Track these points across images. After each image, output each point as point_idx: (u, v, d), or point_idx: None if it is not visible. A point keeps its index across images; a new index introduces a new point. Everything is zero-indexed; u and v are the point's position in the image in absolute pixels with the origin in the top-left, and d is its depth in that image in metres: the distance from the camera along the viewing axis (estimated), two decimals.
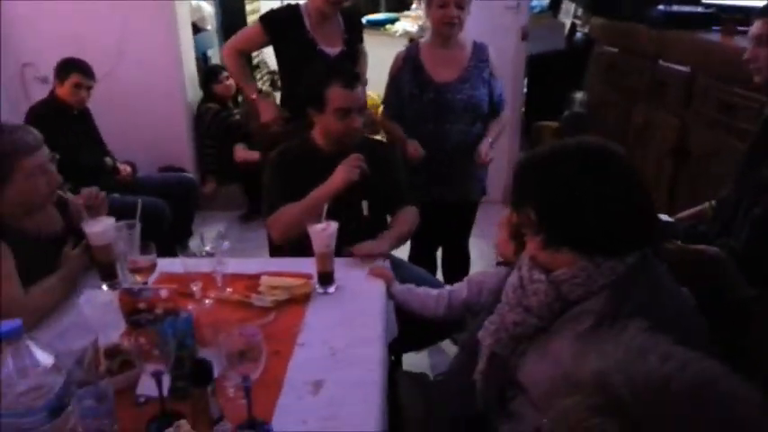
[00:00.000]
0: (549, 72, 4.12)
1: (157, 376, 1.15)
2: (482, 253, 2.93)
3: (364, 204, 1.96)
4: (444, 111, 2.36)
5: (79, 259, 1.74)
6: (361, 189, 1.94)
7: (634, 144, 3.07)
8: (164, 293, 1.31)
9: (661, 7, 2.95)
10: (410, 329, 1.85)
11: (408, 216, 2.06)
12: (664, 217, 1.92)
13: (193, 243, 3.20)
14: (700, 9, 2.94)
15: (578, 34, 4.40)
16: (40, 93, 3.52)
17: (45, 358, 0.92)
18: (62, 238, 1.77)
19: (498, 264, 1.86)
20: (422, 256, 2.67)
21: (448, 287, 1.84)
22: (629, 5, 3.36)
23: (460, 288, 1.80)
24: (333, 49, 2.47)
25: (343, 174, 1.89)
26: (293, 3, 2.55)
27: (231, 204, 4.09)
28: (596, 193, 1.10)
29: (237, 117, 4.04)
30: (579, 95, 4.03)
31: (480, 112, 2.44)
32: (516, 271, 1.25)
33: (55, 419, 0.91)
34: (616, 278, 1.11)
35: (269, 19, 2.52)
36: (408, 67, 2.40)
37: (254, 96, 2.62)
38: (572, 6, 4.60)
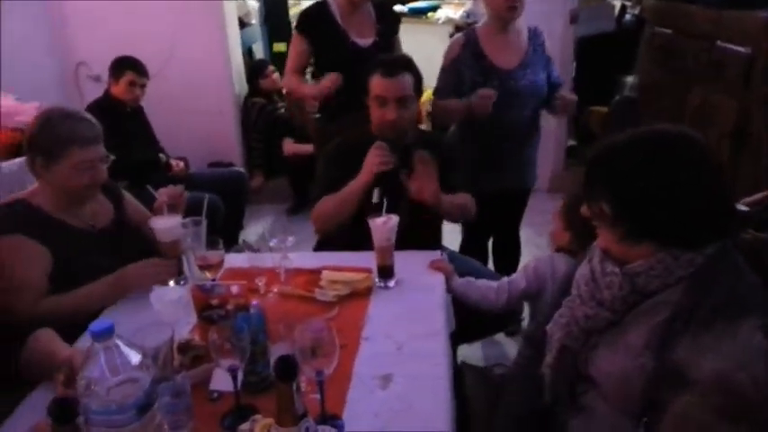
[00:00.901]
0: (599, 55, 4.02)
1: (233, 371, 1.18)
2: (529, 241, 2.91)
3: (384, 202, 1.75)
4: (509, 97, 2.32)
5: (141, 273, 1.67)
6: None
7: (690, 128, 2.98)
8: (235, 290, 1.34)
9: None
10: (464, 322, 1.85)
11: (463, 196, 2.04)
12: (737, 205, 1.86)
13: (249, 235, 3.27)
14: None
15: (628, 16, 4.28)
16: (93, 91, 3.63)
17: (133, 356, 0.95)
18: (113, 230, 1.82)
19: (556, 251, 1.85)
20: (474, 246, 2.66)
21: (506, 278, 1.83)
22: None
23: (519, 278, 1.80)
24: (365, 41, 2.45)
25: (368, 167, 1.88)
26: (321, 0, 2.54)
27: (278, 198, 4.15)
28: (674, 184, 1.07)
29: (283, 111, 4.08)
30: (630, 79, 3.94)
31: (542, 97, 2.42)
32: (587, 263, 1.23)
33: (143, 416, 0.94)
34: (695, 270, 1.08)
35: (300, 21, 2.53)
36: (468, 53, 2.36)
37: (306, 91, 2.59)
38: None
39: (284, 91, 4.24)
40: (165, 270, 1.67)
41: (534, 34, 2.42)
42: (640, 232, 1.11)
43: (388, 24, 2.55)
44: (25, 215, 1.66)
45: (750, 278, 1.12)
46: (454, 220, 2.23)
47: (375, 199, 1.80)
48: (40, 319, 1.48)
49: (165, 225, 1.70)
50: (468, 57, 2.36)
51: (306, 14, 2.54)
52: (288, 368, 0.88)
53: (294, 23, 2.55)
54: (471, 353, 2.56)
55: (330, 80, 2.37)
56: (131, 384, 0.93)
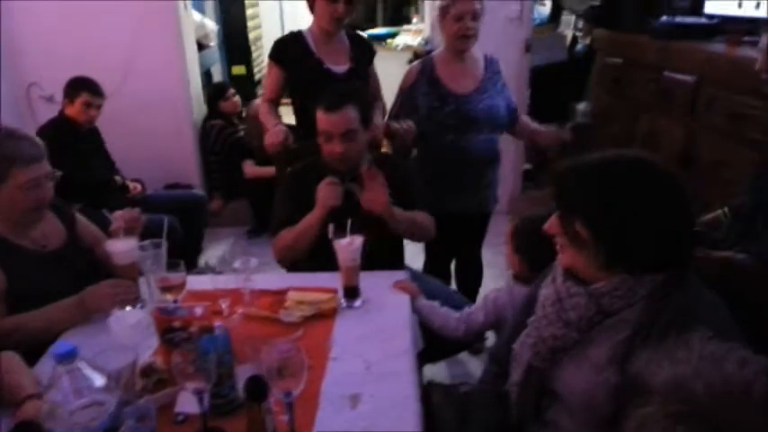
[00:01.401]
0: (552, 83, 4.16)
1: (199, 394, 1.15)
2: (489, 263, 2.95)
3: (348, 223, 1.72)
4: (466, 121, 2.38)
5: (102, 296, 1.63)
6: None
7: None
8: (198, 311, 1.31)
9: (664, 18, 2.99)
10: (429, 341, 1.86)
11: (421, 214, 2.05)
12: None
13: (209, 258, 3.21)
14: (703, 20, 2.98)
15: (579, 46, 4.45)
16: (45, 112, 3.54)
17: (97, 379, 0.92)
18: (65, 251, 1.78)
19: (515, 277, 1.89)
20: (437, 267, 2.68)
21: (466, 309, 1.85)
22: (630, 17, 3.40)
23: (477, 311, 1.82)
24: (339, 68, 2.47)
25: (321, 201, 1.89)
26: (296, 30, 2.55)
27: (237, 220, 4.10)
28: (653, 208, 1.10)
29: (242, 134, 4.06)
30: (582, 106, 4.07)
31: (499, 122, 2.48)
32: (551, 283, 1.25)
33: None
34: (653, 289, 1.12)
35: (275, 49, 2.52)
36: (424, 80, 2.42)
37: (269, 126, 2.47)
38: (572, 18, 4.65)
39: (244, 114, 4.23)
40: (125, 291, 1.64)
41: (490, 62, 2.49)
42: (615, 255, 1.12)
43: (363, 53, 2.56)
44: None
45: (704, 294, 1.17)
46: (412, 238, 2.23)
47: (330, 235, 1.81)
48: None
49: (122, 248, 1.67)
50: (423, 83, 2.42)
51: (280, 42, 2.54)
52: (258, 388, 0.87)
53: (269, 53, 2.54)
54: (437, 371, 2.57)
55: (277, 138, 2.30)
56: (96, 408, 0.90)
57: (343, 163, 1.96)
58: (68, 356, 0.89)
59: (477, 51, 2.48)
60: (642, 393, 0.64)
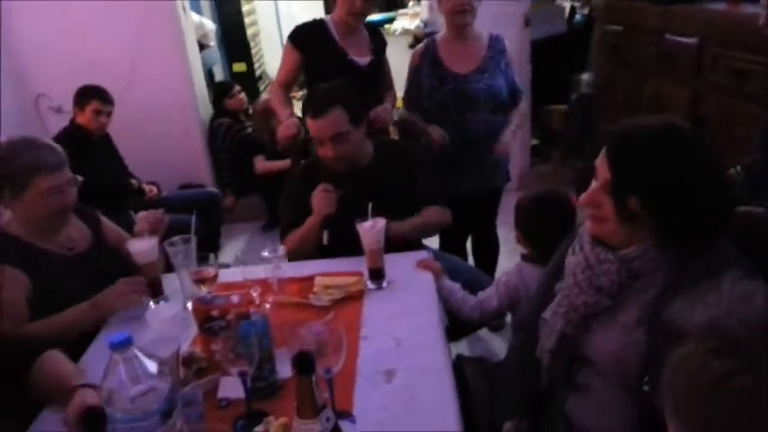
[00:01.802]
0: (552, 56, 4.16)
1: (243, 376, 1.20)
2: (505, 239, 2.98)
3: (369, 207, 1.75)
4: (465, 101, 2.41)
5: (116, 295, 1.68)
6: (378, 192, 1.90)
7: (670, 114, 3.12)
8: (235, 299, 1.36)
9: None
10: (451, 319, 1.90)
11: (430, 212, 2.06)
12: None
13: (229, 253, 3.26)
14: None
15: (578, 16, 4.44)
16: (55, 123, 3.59)
17: (151, 365, 0.97)
18: (91, 254, 1.82)
19: (523, 258, 1.92)
20: (452, 246, 2.72)
21: (480, 294, 1.87)
22: None
23: (490, 297, 1.84)
24: (363, 59, 2.48)
25: (316, 209, 1.91)
26: (318, 18, 2.56)
27: (251, 216, 4.15)
28: (710, 186, 1.08)
29: (250, 130, 4.10)
30: (585, 77, 4.08)
31: (500, 102, 2.49)
32: (579, 251, 1.25)
33: (166, 422, 0.96)
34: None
35: (296, 34, 2.50)
36: (427, 61, 2.46)
37: (282, 118, 2.50)
38: None
39: (250, 111, 4.27)
40: (133, 287, 1.67)
41: (495, 41, 2.51)
42: (668, 232, 1.10)
43: (379, 44, 2.59)
44: (1, 244, 1.66)
45: (730, 247, 1.19)
46: (428, 237, 2.27)
47: (325, 241, 1.83)
48: (20, 345, 1.49)
49: (142, 247, 1.72)
50: (426, 64, 2.46)
51: (302, 29, 2.51)
52: (306, 362, 0.92)
53: (288, 35, 2.51)
54: (459, 350, 2.61)
55: (290, 131, 2.35)
56: (153, 392, 0.95)
57: (338, 164, 1.98)
58: (124, 344, 0.93)
59: (482, 31, 2.50)
60: (677, 339, 0.67)
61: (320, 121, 1.91)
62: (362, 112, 2.03)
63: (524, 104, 2.68)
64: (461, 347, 2.68)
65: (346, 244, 1.75)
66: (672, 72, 2.94)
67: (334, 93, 1.97)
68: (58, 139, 3.08)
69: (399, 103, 2.70)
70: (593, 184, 1.19)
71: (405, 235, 1.96)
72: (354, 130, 1.96)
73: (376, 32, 2.65)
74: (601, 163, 1.16)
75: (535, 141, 4.44)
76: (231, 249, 3.71)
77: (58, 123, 3.39)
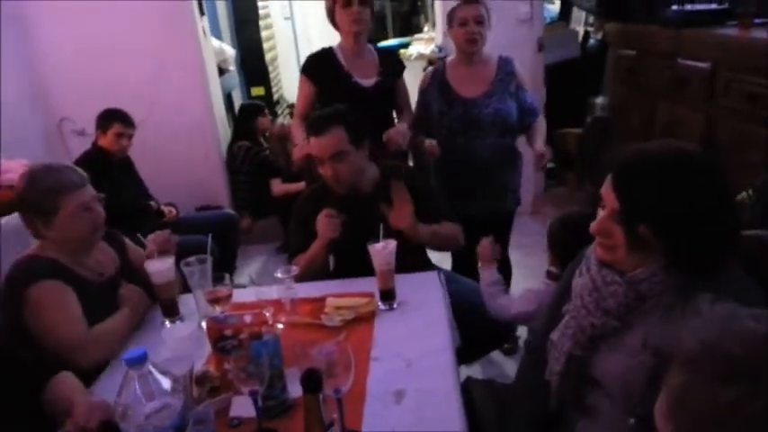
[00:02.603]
0: (567, 80, 4.19)
1: (254, 395, 1.22)
2: (519, 263, 2.98)
3: (381, 228, 1.79)
4: (472, 125, 2.44)
5: (138, 294, 1.82)
6: (382, 217, 1.94)
7: (674, 139, 3.13)
8: (248, 319, 1.39)
9: (675, 7, 3.03)
10: (464, 341, 1.90)
11: (446, 226, 2.09)
12: None
13: (243, 274, 3.30)
14: (713, 6, 3.01)
15: (592, 40, 4.48)
16: (78, 145, 3.67)
17: (165, 382, 1.00)
18: (118, 277, 1.86)
19: (549, 276, 1.93)
20: (464, 268, 2.72)
21: (516, 294, 1.87)
22: (640, 9, 3.45)
23: (527, 302, 1.83)
24: (367, 81, 2.53)
25: (320, 233, 1.95)
26: (327, 47, 2.63)
27: (267, 237, 4.20)
28: (719, 211, 1.08)
29: (268, 152, 4.16)
30: (599, 100, 4.10)
31: (509, 125, 2.50)
32: (585, 273, 1.26)
33: None
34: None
35: (307, 65, 2.59)
36: (435, 85, 2.51)
37: (297, 141, 2.57)
38: (583, 14, 4.69)
39: (267, 133, 4.34)
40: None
41: (504, 63, 2.54)
42: (678, 258, 1.10)
43: (392, 66, 2.62)
44: (46, 265, 1.69)
45: (735, 271, 1.19)
46: (439, 249, 2.28)
47: (331, 268, 1.84)
48: (95, 345, 1.56)
49: (158, 268, 1.75)
50: (435, 88, 2.51)
51: (312, 57, 2.62)
52: (314, 380, 0.94)
53: (301, 68, 2.62)
54: (471, 373, 2.60)
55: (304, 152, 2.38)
56: (166, 409, 0.98)
57: (338, 184, 2.02)
58: (139, 361, 0.96)
59: (491, 54, 2.54)
60: (670, 367, 0.67)
61: (321, 139, 1.96)
62: (365, 135, 2.07)
63: (542, 119, 2.67)
64: (475, 370, 2.67)
65: (352, 268, 1.77)
66: (685, 96, 2.95)
67: (334, 113, 2.04)
68: (80, 161, 3.18)
69: None
70: (600, 212, 1.19)
71: (423, 238, 1.98)
72: (354, 151, 2.00)
73: (390, 56, 2.70)
74: (607, 191, 1.16)
75: (550, 164, 4.45)
76: (248, 270, 3.75)
77: (81, 146, 3.47)
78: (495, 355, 2.74)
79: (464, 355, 2.20)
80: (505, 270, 2.86)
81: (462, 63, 2.51)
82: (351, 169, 2.00)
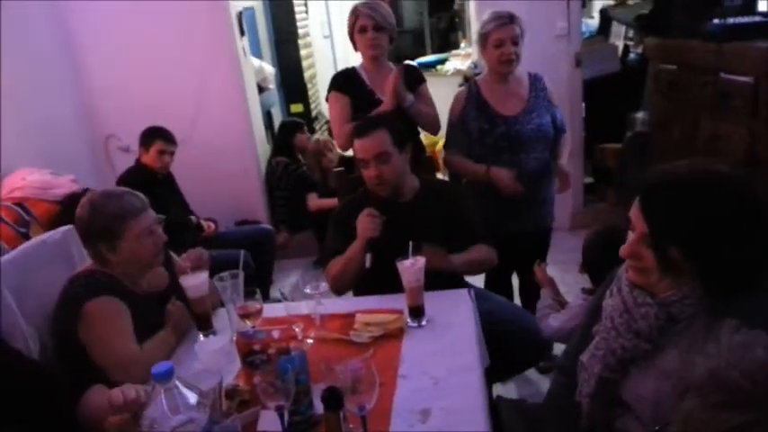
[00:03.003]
0: (607, 95, 4.13)
1: (280, 411, 1.24)
2: (556, 279, 2.92)
3: (410, 245, 1.78)
4: (517, 142, 2.44)
5: (184, 311, 1.85)
6: (419, 227, 1.97)
7: (703, 158, 3.05)
8: (276, 334, 1.41)
9: (716, 21, 2.96)
10: (497, 359, 1.89)
11: (479, 250, 2.10)
12: None
13: (277, 289, 3.35)
14: (757, 18, 2.93)
15: (632, 55, 4.41)
16: (123, 162, 3.80)
17: (191, 396, 1.02)
18: (167, 293, 1.90)
19: (585, 292, 1.90)
20: (497, 284, 2.71)
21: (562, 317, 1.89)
22: (680, 23, 3.38)
23: (565, 321, 1.86)
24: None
25: (360, 232, 1.97)
26: (350, 66, 2.75)
27: (304, 251, 4.24)
28: (752, 231, 1.06)
29: (306, 168, 4.22)
30: (640, 115, 4.02)
31: (549, 140, 2.52)
32: (617, 293, 1.24)
33: None
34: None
35: (335, 81, 2.68)
36: (472, 105, 2.49)
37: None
38: (622, 29, 4.63)
39: (308, 154, 4.40)
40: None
41: (535, 79, 2.54)
42: (711, 281, 1.08)
43: (411, 79, 2.65)
44: (104, 281, 1.74)
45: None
46: (473, 274, 2.28)
47: (367, 264, 1.86)
48: (138, 365, 1.56)
49: (193, 283, 1.79)
50: (472, 108, 2.49)
51: (338, 75, 2.74)
52: (335, 398, 0.94)
53: (329, 87, 2.70)
54: (505, 392, 2.57)
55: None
56: (191, 423, 1.00)
57: (381, 187, 2.04)
58: (166, 375, 0.99)
59: (522, 70, 2.53)
60: (682, 391, 0.67)
61: (365, 140, 2.02)
62: (407, 139, 2.12)
63: (568, 135, 2.67)
64: (509, 388, 2.64)
65: (387, 270, 1.78)
66: (728, 111, 2.87)
67: (379, 118, 2.14)
68: (123, 177, 3.30)
69: (427, 138, 2.76)
70: (630, 235, 1.18)
71: (455, 269, 1.99)
72: (397, 154, 2.04)
73: (408, 71, 2.72)
74: (635, 214, 1.15)
75: (589, 180, 4.39)
76: (285, 284, 3.79)
77: (126, 162, 3.59)
78: (531, 373, 2.70)
79: (498, 373, 2.19)
80: (538, 287, 2.82)
81: (497, 81, 2.51)
82: (394, 171, 2.04)
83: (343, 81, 2.66)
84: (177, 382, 1.02)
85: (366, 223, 1.96)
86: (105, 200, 1.76)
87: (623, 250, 1.17)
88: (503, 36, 2.38)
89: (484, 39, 2.43)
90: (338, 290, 2.11)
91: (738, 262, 1.07)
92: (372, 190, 2.09)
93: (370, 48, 2.55)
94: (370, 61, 2.61)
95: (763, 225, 1.09)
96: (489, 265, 2.18)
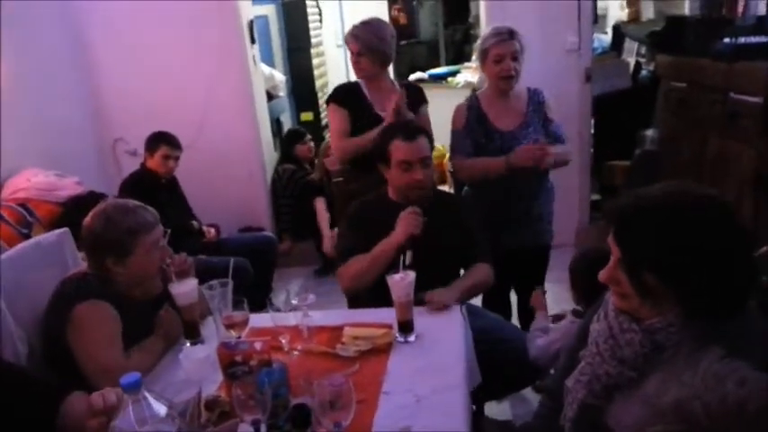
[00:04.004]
0: (617, 111, 4.10)
1: (256, 425, 1.22)
2: (557, 298, 2.89)
3: (403, 257, 1.83)
4: None
5: (175, 319, 1.84)
6: (431, 240, 1.97)
7: (710, 177, 3.01)
8: (258, 346, 1.39)
9: (727, 40, 2.93)
10: (491, 378, 1.87)
11: (480, 272, 2.11)
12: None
13: (279, 299, 3.35)
14: (766, 39, 2.89)
15: (644, 72, 4.38)
16: (130, 165, 3.82)
17: (160, 408, 1.01)
18: (160, 300, 1.88)
19: (575, 314, 1.88)
20: (495, 299, 2.68)
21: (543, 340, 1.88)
22: (692, 41, 3.34)
23: (553, 341, 1.84)
24: (385, 113, 2.60)
25: (404, 228, 1.96)
26: (353, 80, 2.80)
27: (306, 260, 4.23)
28: (728, 253, 1.03)
29: (313, 176, 4.22)
30: (650, 133, 3.98)
31: None
32: (603, 318, 1.22)
33: None
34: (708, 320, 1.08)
35: (335, 94, 2.75)
36: (473, 117, 2.48)
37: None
38: (635, 45, 4.59)
39: (317, 161, 4.41)
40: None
41: (534, 94, 2.52)
42: (689, 305, 1.06)
43: (413, 97, 2.66)
44: (96, 285, 1.74)
45: (756, 322, 1.13)
46: (472, 298, 2.27)
47: (408, 262, 1.86)
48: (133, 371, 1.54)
49: (182, 290, 1.78)
50: (473, 120, 2.48)
51: (339, 88, 2.81)
52: (302, 416, 0.93)
53: (328, 98, 2.77)
54: (500, 410, 2.54)
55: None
56: None
57: (421, 191, 2.07)
58: (134, 386, 0.98)
59: (521, 85, 2.52)
60: (654, 416, 0.65)
61: (413, 144, 2.05)
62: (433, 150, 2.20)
63: (569, 146, 2.65)
64: (504, 407, 2.60)
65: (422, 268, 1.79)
66: (736, 131, 2.83)
67: (418, 125, 2.24)
68: (127, 181, 3.32)
69: (435, 151, 2.76)
70: (611, 260, 1.16)
71: (460, 299, 1.98)
72: (431, 162, 2.13)
73: (411, 90, 2.75)
74: (611, 239, 1.14)
75: (596, 197, 4.34)
76: (283, 293, 3.78)
77: (133, 166, 3.60)
78: (527, 392, 2.66)
79: (491, 391, 2.16)
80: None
81: (496, 96, 2.50)
82: (432, 177, 2.13)
83: (344, 94, 2.70)
84: (146, 394, 1.00)
85: (411, 220, 1.97)
86: (121, 214, 1.75)
87: (602, 275, 1.16)
88: (502, 51, 2.37)
89: (484, 54, 2.43)
90: (356, 289, 2.09)
91: (717, 286, 1.04)
92: (405, 194, 2.09)
93: (355, 70, 2.67)
94: (364, 79, 2.68)
95: (743, 248, 1.07)
96: (486, 288, 2.19)
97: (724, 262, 1.03)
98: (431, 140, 2.16)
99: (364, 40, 2.59)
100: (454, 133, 2.55)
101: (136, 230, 1.73)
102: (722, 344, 1.04)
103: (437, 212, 2.08)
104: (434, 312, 1.85)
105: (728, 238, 1.05)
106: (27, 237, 2.70)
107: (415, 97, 2.69)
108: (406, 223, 1.97)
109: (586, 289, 1.78)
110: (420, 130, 2.14)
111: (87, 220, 1.78)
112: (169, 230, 1.86)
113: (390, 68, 2.85)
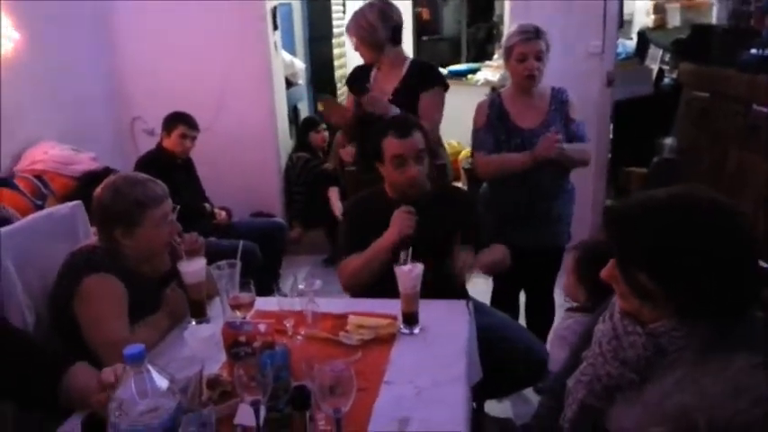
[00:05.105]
0: (637, 117, 4.06)
1: (255, 406, 1.22)
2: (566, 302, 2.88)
3: (408, 251, 1.77)
4: None
5: (182, 298, 1.85)
6: (428, 229, 1.96)
7: (727, 190, 2.98)
8: (262, 327, 1.40)
9: (753, 51, 2.89)
10: (493, 376, 1.86)
11: (498, 250, 2.10)
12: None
13: (286, 285, 3.36)
14: None
15: (666, 79, 4.33)
16: (147, 144, 3.85)
17: (162, 382, 1.01)
18: (168, 277, 1.90)
19: (568, 309, 1.86)
20: (504, 298, 2.67)
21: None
22: (718, 51, 3.31)
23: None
24: (389, 86, 2.69)
25: (396, 228, 1.95)
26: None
27: (315, 249, 4.24)
28: (726, 255, 1.01)
29: (327, 165, 4.22)
30: (669, 141, 3.95)
31: None
32: (608, 319, 1.21)
33: None
34: (713, 325, 1.08)
35: (348, 78, 2.91)
36: (494, 114, 2.47)
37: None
38: (659, 52, 4.55)
39: (331, 151, 4.41)
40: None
41: (557, 92, 2.49)
42: (686, 307, 1.05)
43: (422, 77, 2.67)
44: (106, 258, 1.74)
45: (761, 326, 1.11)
46: (490, 274, 2.26)
47: (401, 261, 1.87)
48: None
49: (191, 268, 1.78)
50: (494, 118, 2.47)
51: (352, 72, 2.96)
52: (302, 397, 0.93)
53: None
54: (500, 409, 2.53)
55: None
56: (159, 409, 0.99)
57: (414, 187, 2.04)
58: (137, 358, 0.98)
59: (545, 84, 2.50)
60: (659, 415, 0.64)
61: (407, 140, 2.01)
62: (431, 147, 2.19)
63: (589, 146, 2.61)
64: (505, 406, 2.60)
65: (390, 273, 1.76)
66: (756, 143, 2.80)
67: (412, 119, 2.18)
68: (143, 159, 3.34)
69: (450, 147, 2.76)
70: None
71: (487, 268, 2.04)
72: (427, 154, 2.08)
73: (423, 68, 2.75)
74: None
75: (610, 202, 4.31)
76: (291, 279, 3.79)
77: (150, 145, 3.63)
78: (529, 392, 2.65)
79: (492, 389, 2.15)
80: (547, 308, 2.76)
81: (519, 94, 2.48)
82: (424, 172, 2.06)
83: (353, 79, 2.83)
84: (149, 366, 1.01)
85: (404, 220, 1.96)
86: (130, 186, 1.76)
87: (603, 273, 1.16)
88: (526, 51, 2.35)
89: (508, 51, 2.41)
90: (353, 288, 2.09)
91: (713, 292, 1.03)
92: (399, 191, 2.07)
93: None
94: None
95: (743, 252, 1.05)
96: (504, 267, 2.14)
97: (724, 268, 1.02)
98: (425, 134, 2.09)
99: (356, 32, 2.66)
100: (476, 130, 2.54)
101: (144, 202, 1.74)
102: (724, 350, 1.04)
103: (438, 207, 2.07)
104: (439, 306, 1.84)
105: (732, 246, 1.03)
106: (40, 208, 2.73)
107: (422, 77, 2.67)
108: (399, 223, 1.95)
109: (593, 282, 1.76)
110: (413, 124, 2.08)
111: (97, 191, 1.79)
112: (178, 206, 1.86)
113: (408, 43, 2.91)
